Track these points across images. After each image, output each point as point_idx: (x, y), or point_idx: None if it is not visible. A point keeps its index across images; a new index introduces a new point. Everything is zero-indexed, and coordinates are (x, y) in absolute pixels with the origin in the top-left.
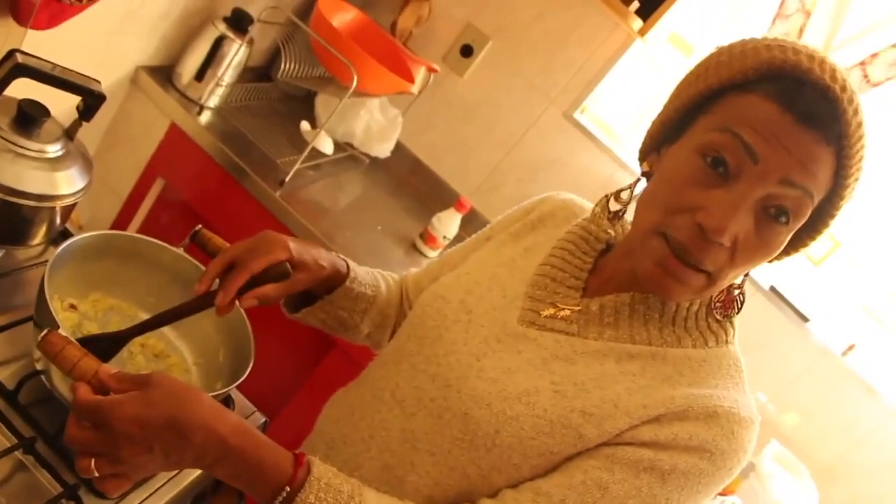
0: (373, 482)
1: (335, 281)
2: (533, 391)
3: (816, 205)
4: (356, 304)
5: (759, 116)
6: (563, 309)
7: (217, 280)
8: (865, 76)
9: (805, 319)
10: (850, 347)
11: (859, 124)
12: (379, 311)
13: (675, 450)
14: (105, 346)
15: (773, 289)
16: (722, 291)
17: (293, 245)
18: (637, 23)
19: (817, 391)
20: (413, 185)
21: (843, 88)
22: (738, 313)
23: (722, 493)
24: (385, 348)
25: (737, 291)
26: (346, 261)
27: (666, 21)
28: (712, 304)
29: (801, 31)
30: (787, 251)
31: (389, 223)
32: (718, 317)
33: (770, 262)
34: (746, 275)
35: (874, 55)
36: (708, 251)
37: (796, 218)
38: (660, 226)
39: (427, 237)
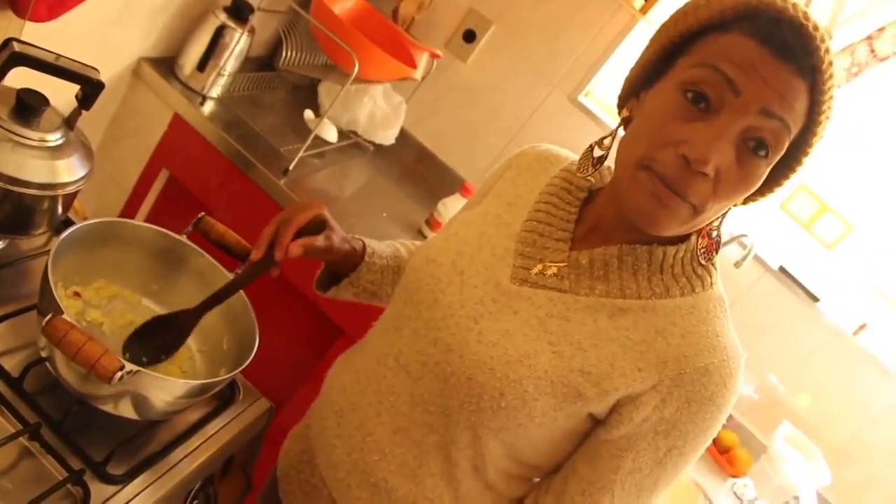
0: (387, 445)
1: (354, 259)
2: (533, 353)
3: (792, 140)
4: (382, 277)
5: (738, 51)
6: (553, 265)
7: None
8: (872, 51)
9: (815, 299)
10: (862, 327)
11: (830, 63)
12: None
13: (682, 422)
14: (163, 336)
15: (782, 269)
16: (705, 237)
17: (326, 211)
18: (639, 1)
19: (829, 371)
20: (418, 171)
21: (816, 28)
22: (716, 255)
23: (734, 475)
24: (384, 315)
25: (714, 233)
26: (362, 240)
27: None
28: (696, 250)
29: (806, 6)
30: (762, 191)
31: (395, 210)
32: (703, 262)
33: (746, 202)
34: (723, 216)
35: (881, 29)
36: (692, 182)
37: (774, 150)
38: (644, 159)
39: (433, 223)
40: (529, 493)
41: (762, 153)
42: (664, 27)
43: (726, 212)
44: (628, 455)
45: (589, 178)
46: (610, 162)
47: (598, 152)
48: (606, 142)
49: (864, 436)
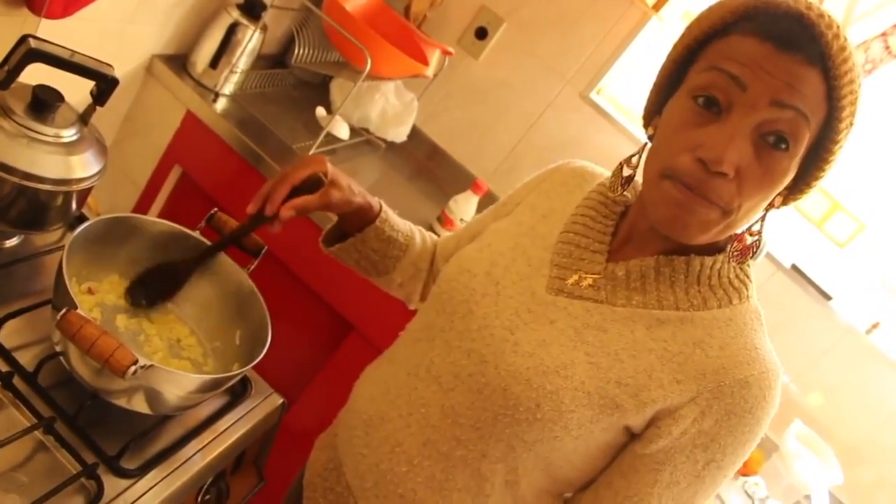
0: (415, 457)
1: (368, 217)
2: (569, 363)
3: (816, 131)
4: (388, 249)
5: (741, 50)
6: (589, 276)
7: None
8: (887, 47)
9: (828, 298)
10: (875, 325)
11: (842, 47)
12: (411, 261)
13: (720, 435)
14: (162, 283)
15: (794, 267)
16: (740, 241)
17: (330, 165)
18: None
19: (841, 370)
20: (429, 168)
21: (821, 15)
22: (754, 258)
23: (745, 474)
24: (414, 324)
25: (751, 239)
26: (380, 202)
27: None
28: (730, 252)
29: (821, 1)
30: (801, 188)
31: (406, 207)
32: (735, 264)
33: (787, 201)
34: (763, 219)
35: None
36: (713, 184)
37: (795, 142)
38: (666, 170)
39: (444, 220)
40: None
41: (783, 146)
42: (674, 43)
43: (764, 215)
44: (666, 468)
45: (625, 194)
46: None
47: (626, 171)
48: (634, 160)
49: (877, 435)
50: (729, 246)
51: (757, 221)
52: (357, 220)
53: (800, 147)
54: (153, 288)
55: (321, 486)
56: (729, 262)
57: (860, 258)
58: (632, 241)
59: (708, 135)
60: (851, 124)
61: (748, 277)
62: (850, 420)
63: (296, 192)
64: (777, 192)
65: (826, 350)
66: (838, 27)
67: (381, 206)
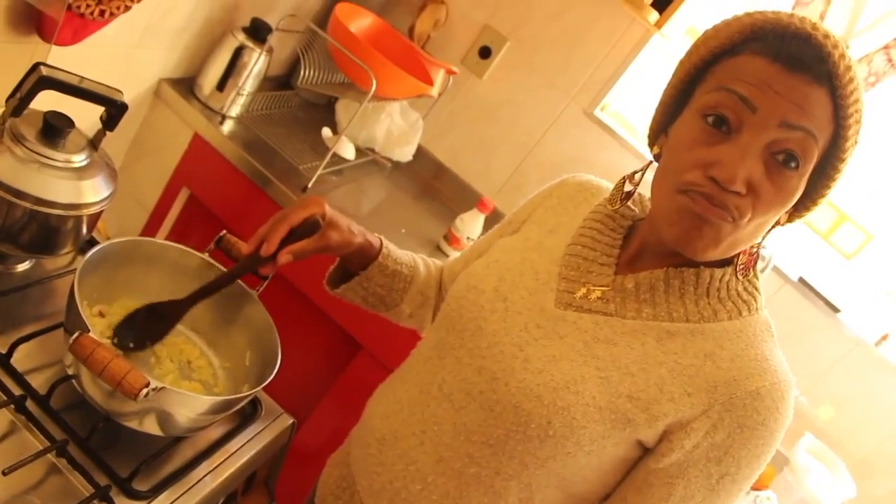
0: (429, 475)
1: (369, 255)
2: (580, 379)
3: (823, 149)
4: (393, 283)
5: (750, 70)
6: (597, 288)
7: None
8: (889, 60)
9: (836, 310)
10: (884, 337)
11: (849, 67)
12: (418, 291)
13: (733, 447)
14: (151, 325)
15: (801, 280)
16: (744, 253)
17: (328, 206)
18: (653, 15)
19: (851, 382)
20: (435, 187)
21: (827, 36)
22: (756, 269)
23: (756, 488)
24: (425, 343)
25: (755, 250)
26: (380, 238)
27: (682, 14)
28: (736, 266)
29: (822, 17)
30: (805, 205)
31: (413, 226)
32: (740, 276)
33: (792, 218)
34: (765, 235)
35: None
36: (729, 198)
37: (805, 161)
38: (680, 185)
39: (451, 238)
40: None
41: (793, 165)
42: (680, 62)
43: (768, 231)
44: (679, 483)
45: (633, 207)
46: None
47: (628, 187)
48: (637, 177)
49: (889, 447)
50: (736, 259)
51: (761, 237)
52: (359, 259)
53: (808, 165)
54: (142, 329)
55: None
56: (736, 275)
57: (868, 269)
58: (641, 258)
59: (719, 154)
60: (857, 142)
61: (757, 290)
62: (861, 432)
63: (293, 233)
64: (786, 209)
65: (835, 362)
66: (843, 47)
67: (381, 242)
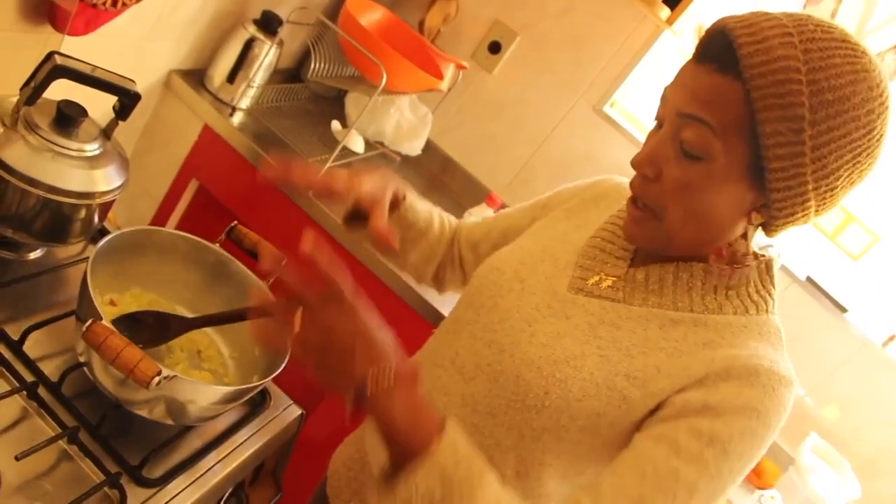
0: None
1: (392, 207)
2: (580, 355)
3: (746, 142)
4: (407, 232)
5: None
6: (610, 277)
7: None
8: None
9: (843, 310)
10: (891, 338)
11: (765, 49)
12: (428, 244)
13: (727, 413)
14: (151, 330)
15: (809, 279)
16: (718, 251)
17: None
18: (665, 11)
19: (857, 383)
20: (444, 181)
21: (749, 25)
22: (770, 276)
23: (761, 487)
24: (445, 319)
25: (738, 254)
26: (405, 189)
27: (693, 10)
28: (714, 265)
29: (832, 15)
30: (773, 213)
31: None
32: (723, 265)
33: (771, 222)
34: (746, 235)
35: None
36: (642, 190)
37: (703, 152)
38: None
39: None
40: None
41: (693, 156)
42: None
43: (746, 231)
44: (665, 440)
45: None
46: None
47: None
48: None
49: (894, 447)
50: (710, 252)
51: (741, 236)
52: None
53: (717, 158)
54: (140, 332)
55: (346, 476)
56: (752, 282)
57: (875, 270)
58: (655, 253)
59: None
60: (799, 141)
61: (770, 295)
62: (867, 433)
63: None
64: (709, 202)
65: (842, 363)
66: (778, 41)
67: (404, 194)
